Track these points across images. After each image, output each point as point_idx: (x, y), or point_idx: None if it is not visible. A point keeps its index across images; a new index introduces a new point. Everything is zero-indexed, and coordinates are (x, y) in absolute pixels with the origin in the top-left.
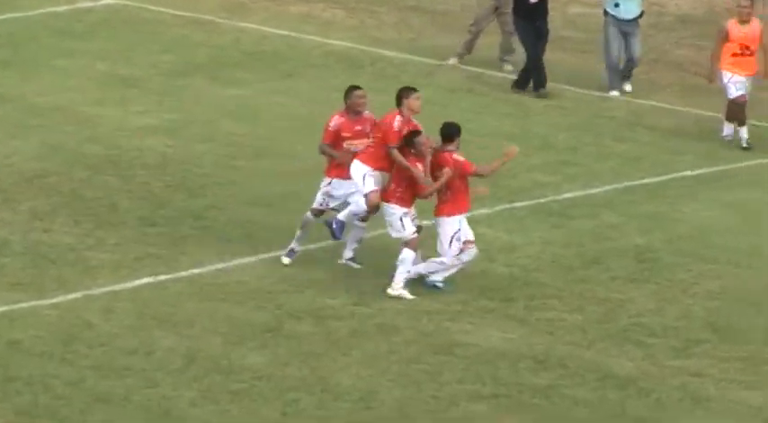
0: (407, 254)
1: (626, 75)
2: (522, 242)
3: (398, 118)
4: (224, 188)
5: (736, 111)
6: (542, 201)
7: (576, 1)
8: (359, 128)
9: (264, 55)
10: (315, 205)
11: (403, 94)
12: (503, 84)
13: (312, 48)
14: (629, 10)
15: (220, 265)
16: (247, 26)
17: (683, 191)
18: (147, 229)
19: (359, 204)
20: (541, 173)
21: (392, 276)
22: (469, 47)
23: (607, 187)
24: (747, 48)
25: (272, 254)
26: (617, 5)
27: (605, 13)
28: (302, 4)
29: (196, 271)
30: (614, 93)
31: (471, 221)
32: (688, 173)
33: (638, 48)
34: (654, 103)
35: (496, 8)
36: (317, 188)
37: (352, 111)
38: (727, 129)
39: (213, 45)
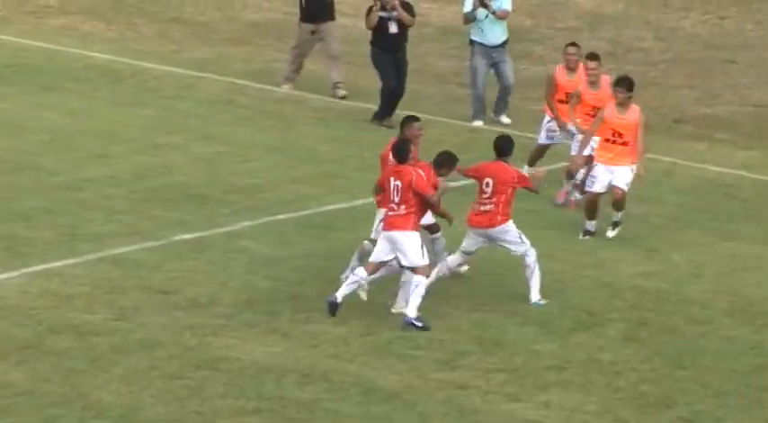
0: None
1: (501, 105)
2: (285, 255)
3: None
4: None
5: (534, 154)
6: (306, 213)
7: (338, 12)
8: (414, 155)
9: (24, 68)
10: (374, 235)
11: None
12: (263, 96)
13: (72, 60)
14: (495, 35)
15: None
16: (5, 38)
17: (445, 202)
18: None
19: (423, 283)
20: (305, 185)
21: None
22: (296, 68)
23: (370, 199)
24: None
25: (33, 269)
26: (481, 29)
27: (471, 42)
28: (61, 16)
29: None
30: (478, 122)
31: (232, 235)
32: (450, 184)
33: (510, 74)
34: (416, 113)
35: (313, 32)
36: (77, 202)
37: (409, 140)
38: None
39: None
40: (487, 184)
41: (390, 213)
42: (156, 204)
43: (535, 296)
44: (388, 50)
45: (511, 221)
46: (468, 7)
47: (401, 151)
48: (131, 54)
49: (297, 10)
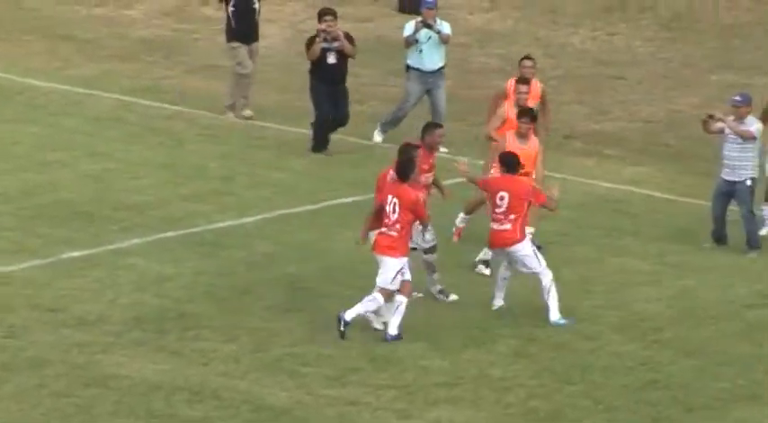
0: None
1: (392, 125)
2: (174, 272)
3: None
4: None
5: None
6: (195, 230)
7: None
8: (433, 161)
9: None
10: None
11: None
12: (152, 113)
13: None
14: (433, 61)
15: None
16: None
17: (336, 220)
18: None
19: (376, 300)
20: (194, 202)
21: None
22: (244, 93)
23: (260, 216)
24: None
25: None
26: (421, 51)
27: (407, 67)
28: None
29: None
30: (378, 138)
31: (121, 252)
32: (342, 201)
33: (443, 103)
34: (306, 131)
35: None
36: None
37: (429, 146)
38: None
39: None
40: (502, 199)
41: (383, 229)
42: (43, 221)
43: (555, 315)
44: (326, 81)
45: (528, 239)
46: (408, 31)
47: (404, 170)
48: (18, 71)
49: (222, 29)
